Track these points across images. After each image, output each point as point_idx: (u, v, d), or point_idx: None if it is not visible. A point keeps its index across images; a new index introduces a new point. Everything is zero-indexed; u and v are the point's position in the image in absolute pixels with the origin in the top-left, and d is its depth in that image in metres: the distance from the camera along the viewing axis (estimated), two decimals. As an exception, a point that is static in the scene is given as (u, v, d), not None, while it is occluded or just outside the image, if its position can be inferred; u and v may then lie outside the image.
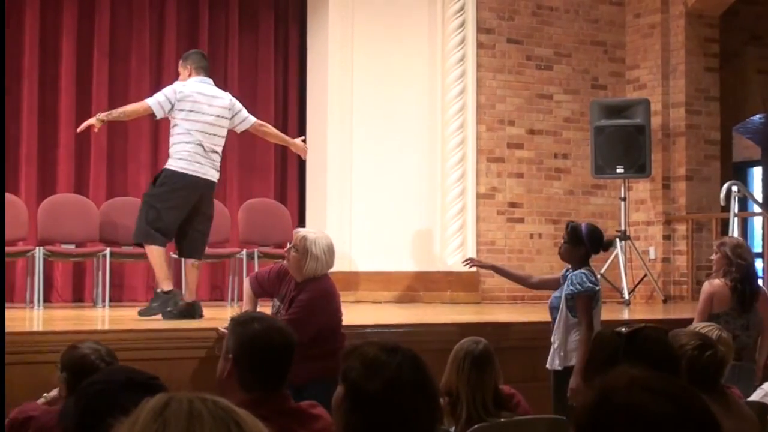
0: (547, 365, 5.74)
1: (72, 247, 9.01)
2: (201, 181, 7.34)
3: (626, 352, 3.02)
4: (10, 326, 6.76)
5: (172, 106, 7.31)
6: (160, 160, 10.25)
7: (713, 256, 6.58)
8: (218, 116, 7.45)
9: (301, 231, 5.88)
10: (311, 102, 10.89)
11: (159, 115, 7.40)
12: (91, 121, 7.34)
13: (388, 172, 10.36)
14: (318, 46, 10.80)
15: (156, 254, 7.25)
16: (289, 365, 3.35)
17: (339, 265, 10.18)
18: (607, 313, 9.16)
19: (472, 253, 10.05)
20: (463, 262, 6.73)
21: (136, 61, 10.31)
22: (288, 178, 11.00)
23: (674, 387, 1.72)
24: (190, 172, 7.27)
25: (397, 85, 10.43)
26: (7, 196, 9.14)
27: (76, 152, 9.99)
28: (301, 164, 10.93)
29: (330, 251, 5.68)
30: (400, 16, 10.50)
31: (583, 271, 5.72)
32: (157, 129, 10.34)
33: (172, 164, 7.32)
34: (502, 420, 4.15)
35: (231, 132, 10.51)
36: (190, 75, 7.53)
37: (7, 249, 8.77)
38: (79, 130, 7.59)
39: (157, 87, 10.27)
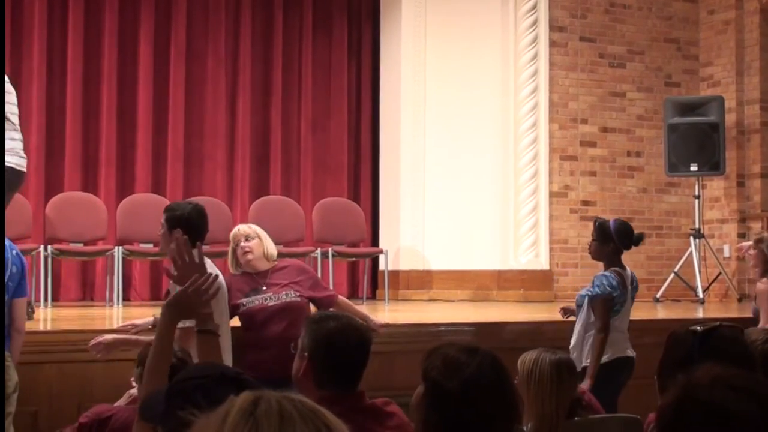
0: None
1: (150, 246, 9.17)
2: None
3: (701, 351, 3.02)
4: (90, 324, 6.96)
5: None
6: (236, 159, 10.43)
7: (750, 251, 6.57)
8: None
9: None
10: (384, 102, 10.97)
11: None
12: None
13: (461, 170, 10.40)
14: (391, 46, 10.88)
15: None
16: (365, 363, 3.30)
17: (412, 264, 10.33)
18: (682, 311, 9.19)
19: (544, 252, 10.09)
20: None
21: (212, 63, 10.46)
22: (361, 178, 11.08)
23: (757, 385, 1.73)
24: None
25: (470, 84, 10.46)
26: (87, 196, 9.39)
27: (153, 153, 10.16)
28: (375, 164, 11.03)
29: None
30: (473, 15, 10.53)
31: (606, 273, 5.69)
32: (234, 128, 10.50)
33: None
34: (577, 419, 4.15)
35: (304, 132, 10.66)
36: None
37: (88, 248, 9.00)
38: None
39: (233, 88, 10.48)
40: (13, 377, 4.73)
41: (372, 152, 11.13)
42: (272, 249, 5.69)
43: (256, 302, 5.55)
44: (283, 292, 5.56)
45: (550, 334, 6.50)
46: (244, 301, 5.55)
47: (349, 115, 11.06)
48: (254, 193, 10.35)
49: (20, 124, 9.20)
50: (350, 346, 3.28)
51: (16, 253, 4.96)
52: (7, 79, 6.75)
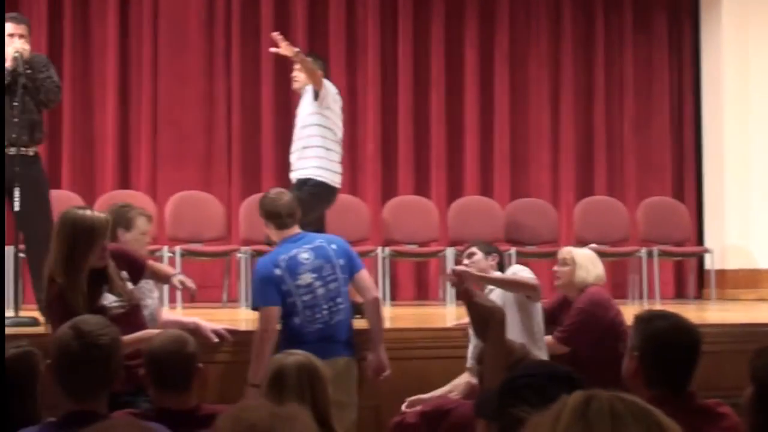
0: None
1: (480, 247, 9.48)
2: None
3: None
4: (426, 323, 7.30)
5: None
6: (560, 160, 10.61)
7: None
8: None
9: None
10: (706, 98, 10.84)
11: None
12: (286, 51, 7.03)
13: (788, 167, 10.15)
14: (712, 43, 10.74)
15: None
16: (696, 363, 3.23)
17: (739, 262, 10.15)
18: None
19: None
20: None
21: (534, 67, 10.69)
22: (685, 176, 10.98)
23: None
24: None
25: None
26: (420, 200, 9.84)
27: (480, 156, 10.48)
28: (698, 161, 10.91)
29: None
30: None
31: None
32: (557, 130, 10.68)
33: None
34: None
35: (627, 132, 10.66)
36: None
37: (422, 249, 9.44)
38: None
39: (555, 90, 10.67)
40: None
41: (695, 149, 11.01)
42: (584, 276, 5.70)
43: None
44: None
45: None
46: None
47: (671, 114, 11.00)
48: (579, 193, 10.49)
49: (357, 134, 9.87)
50: (680, 345, 3.24)
51: (335, 247, 5.48)
52: (335, 90, 7.25)
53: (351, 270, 5.53)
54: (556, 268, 5.71)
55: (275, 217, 5.54)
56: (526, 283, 5.29)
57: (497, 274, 5.43)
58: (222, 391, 5.33)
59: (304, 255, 5.39)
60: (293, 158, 7.13)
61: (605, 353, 5.10)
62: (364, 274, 5.62)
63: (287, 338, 5.23)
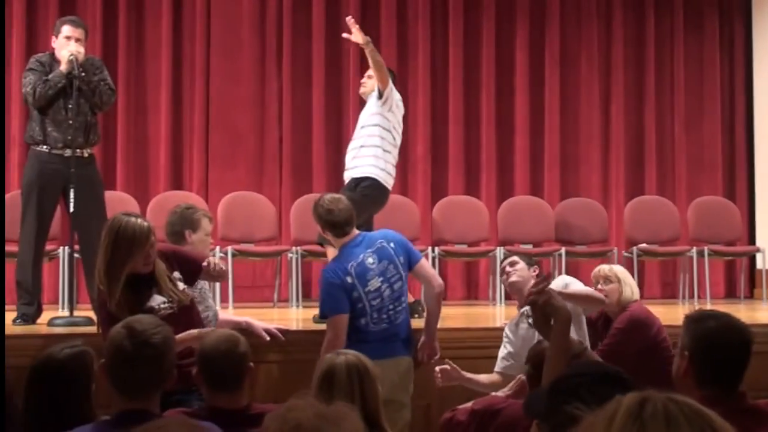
0: None
1: (530, 246, 9.49)
2: None
3: None
4: (475, 323, 7.31)
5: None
6: (610, 160, 10.58)
7: None
8: None
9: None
10: (758, 97, 10.78)
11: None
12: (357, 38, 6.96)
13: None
14: (764, 42, 10.69)
15: None
16: (747, 363, 3.18)
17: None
18: None
19: None
20: None
21: (585, 67, 10.68)
22: (736, 175, 10.91)
23: None
24: None
25: None
26: (470, 200, 9.86)
27: (531, 156, 10.48)
28: (750, 161, 10.83)
29: None
30: None
31: None
32: (608, 130, 10.65)
33: None
34: None
35: (678, 131, 10.60)
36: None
37: (472, 249, 9.46)
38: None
39: (606, 90, 10.64)
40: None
41: (747, 148, 10.93)
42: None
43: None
44: None
45: None
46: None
47: (722, 113, 10.93)
48: (629, 193, 10.47)
49: (407, 135, 9.87)
50: (731, 345, 3.20)
51: (394, 245, 5.48)
52: (399, 97, 7.26)
53: (410, 263, 5.53)
54: (600, 286, 5.66)
55: (333, 227, 5.51)
56: (597, 298, 5.31)
57: (575, 288, 5.38)
58: (273, 391, 5.37)
59: (370, 260, 5.39)
60: (348, 157, 7.12)
61: (650, 368, 5.06)
62: (424, 263, 5.65)
63: (351, 337, 5.24)
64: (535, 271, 5.51)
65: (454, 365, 5.21)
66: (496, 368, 5.28)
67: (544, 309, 3.40)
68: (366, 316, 5.34)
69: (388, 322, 5.39)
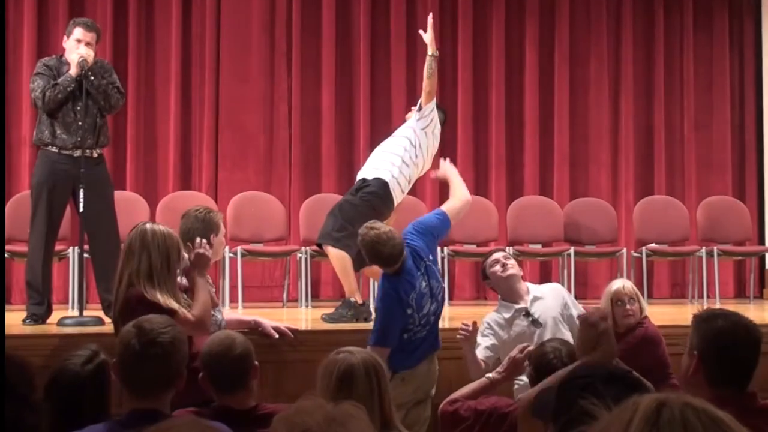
0: None
1: (538, 246, 9.49)
2: None
3: None
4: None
5: None
6: (620, 160, 10.57)
7: None
8: None
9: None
10: (768, 96, 10.76)
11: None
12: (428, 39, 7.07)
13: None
14: (773, 41, 10.65)
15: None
16: (756, 362, 3.18)
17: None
18: None
19: None
20: None
21: (594, 66, 10.66)
22: (746, 175, 10.89)
23: None
24: None
25: None
26: (478, 199, 9.81)
27: (540, 156, 10.48)
28: (760, 160, 10.81)
29: None
30: None
31: None
32: (617, 129, 10.63)
33: None
34: None
35: (687, 131, 10.56)
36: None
37: (480, 249, 9.45)
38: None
39: (615, 89, 10.62)
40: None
41: (757, 148, 10.91)
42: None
43: None
44: None
45: None
46: None
47: (732, 112, 10.91)
48: (639, 193, 10.45)
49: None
50: (741, 344, 3.19)
51: (426, 247, 5.48)
52: (438, 128, 7.04)
53: (439, 232, 5.69)
54: (628, 306, 5.55)
55: (385, 262, 5.37)
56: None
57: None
58: (283, 390, 5.38)
59: (423, 283, 5.39)
60: (368, 159, 7.13)
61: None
62: (445, 211, 5.77)
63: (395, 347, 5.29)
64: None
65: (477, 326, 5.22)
66: (480, 356, 5.25)
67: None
68: (410, 332, 5.36)
69: (428, 330, 5.44)
